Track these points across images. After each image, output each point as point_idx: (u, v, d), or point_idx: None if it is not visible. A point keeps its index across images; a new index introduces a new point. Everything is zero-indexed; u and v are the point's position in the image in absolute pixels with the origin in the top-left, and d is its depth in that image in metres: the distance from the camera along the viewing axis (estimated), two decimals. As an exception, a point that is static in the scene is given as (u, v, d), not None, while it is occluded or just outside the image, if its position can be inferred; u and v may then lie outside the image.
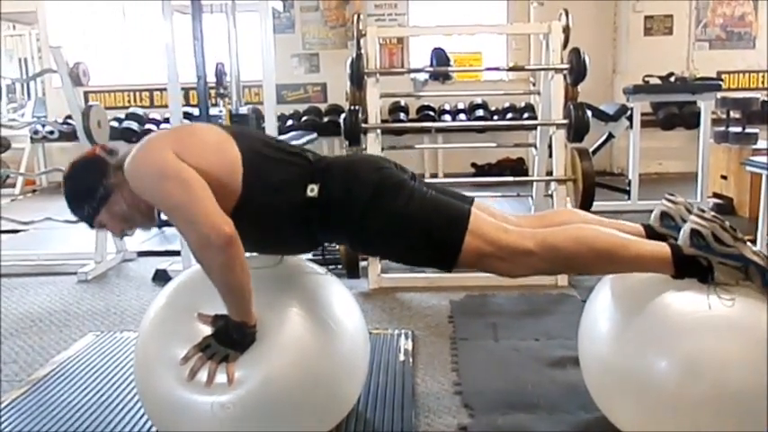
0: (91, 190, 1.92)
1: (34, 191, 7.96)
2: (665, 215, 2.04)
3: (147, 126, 7.90)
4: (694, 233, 1.85)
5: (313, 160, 2.00)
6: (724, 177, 5.71)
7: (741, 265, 1.83)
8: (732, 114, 5.84)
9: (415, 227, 1.90)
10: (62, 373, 2.67)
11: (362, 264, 3.78)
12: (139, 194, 1.85)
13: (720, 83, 6.13)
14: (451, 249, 1.88)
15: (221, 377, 1.81)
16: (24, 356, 2.94)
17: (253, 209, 1.88)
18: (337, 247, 3.83)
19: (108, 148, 2.01)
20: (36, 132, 7.86)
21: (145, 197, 1.86)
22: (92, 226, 2.00)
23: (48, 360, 2.86)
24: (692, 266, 1.86)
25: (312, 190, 1.90)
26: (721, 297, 1.81)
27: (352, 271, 3.69)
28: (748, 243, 1.87)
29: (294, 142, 6.37)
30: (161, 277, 3.99)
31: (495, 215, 2.02)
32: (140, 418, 2.24)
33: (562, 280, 3.73)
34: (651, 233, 2.04)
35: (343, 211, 1.90)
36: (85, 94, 6.39)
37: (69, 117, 5.91)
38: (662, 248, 1.89)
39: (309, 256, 4.05)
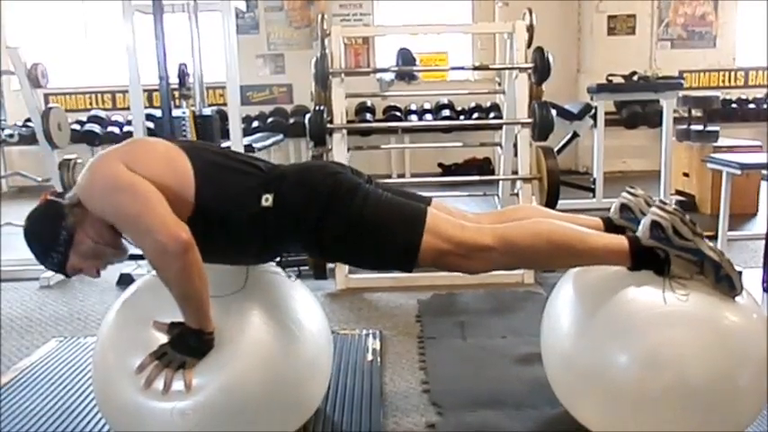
0: (53, 237, 1.86)
1: (-7, 196, 7.79)
2: (624, 207, 2.06)
3: (110, 129, 7.79)
4: (655, 225, 1.86)
5: (266, 169, 1.98)
6: (686, 175, 5.81)
7: (697, 259, 1.85)
8: (693, 113, 5.94)
9: (371, 230, 1.88)
10: (25, 380, 2.62)
11: (329, 265, 3.76)
12: (92, 210, 1.82)
13: (682, 81, 6.21)
14: (410, 250, 1.87)
15: (179, 384, 1.78)
16: (-15, 364, 2.88)
17: (207, 221, 1.84)
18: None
19: (56, 191, 1.98)
20: (-6, 136, 7.68)
21: (99, 212, 1.82)
22: (67, 274, 1.95)
23: (10, 367, 2.79)
24: (649, 258, 1.87)
25: (267, 200, 1.87)
26: (676, 292, 1.82)
27: (319, 272, 3.68)
28: (705, 239, 1.89)
29: (260, 144, 6.35)
30: (125, 281, 3.93)
31: (453, 213, 2.02)
32: (104, 425, 2.20)
33: (528, 278, 3.76)
34: (610, 225, 2.06)
35: (298, 219, 1.88)
36: (46, 96, 6.30)
37: (29, 120, 5.79)
38: (620, 241, 1.90)
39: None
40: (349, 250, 1.95)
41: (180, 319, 1.81)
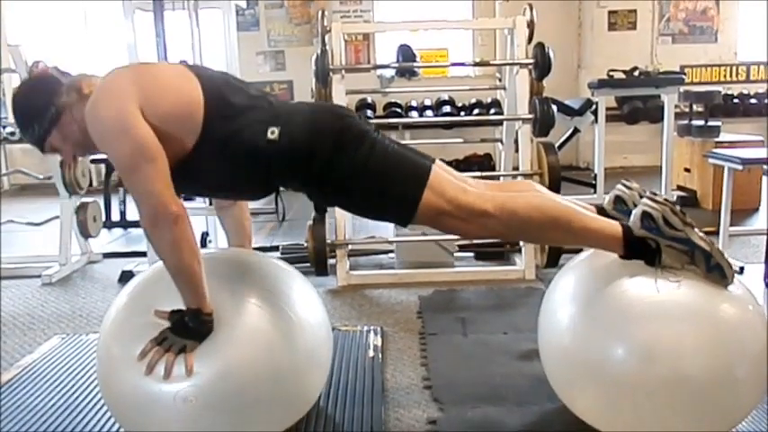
0: (41, 109, 1.87)
1: (-5, 193, 7.81)
2: (618, 199, 2.07)
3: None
4: (645, 215, 1.88)
5: (275, 104, 1.99)
6: (687, 170, 5.81)
7: (688, 249, 1.87)
8: (695, 108, 5.94)
9: (374, 178, 1.89)
10: (27, 377, 2.62)
11: (331, 261, 3.77)
12: (94, 141, 1.83)
13: (683, 77, 6.21)
14: (410, 203, 1.87)
15: (180, 369, 1.79)
16: (-12, 361, 2.89)
17: (212, 149, 1.86)
18: (305, 244, 3.82)
19: (58, 68, 1.98)
20: (-4, 134, 7.68)
21: (99, 147, 1.84)
22: (43, 149, 1.95)
23: (12, 364, 2.79)
24: (640, 248, 1.89)
25: (273, 133, 1.87)
26: (669, 279, 1.84)
27: (320, 268, 3.68)
28: (696, 229, 1.90)
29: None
30: (127, 278, 3.92)
31: (456, 176, 2.02)
32: (108, 420, 2.21)
33: (529, 273, 3.76)
34: (602, 214, 2.06)
35: (302, 157, 1.87)
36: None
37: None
38: (614, 226, 1.93)
39: (277, 253, 4.06)
40: (349, 196, 1.96)
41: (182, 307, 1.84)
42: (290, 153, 1.88)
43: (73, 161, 2.02)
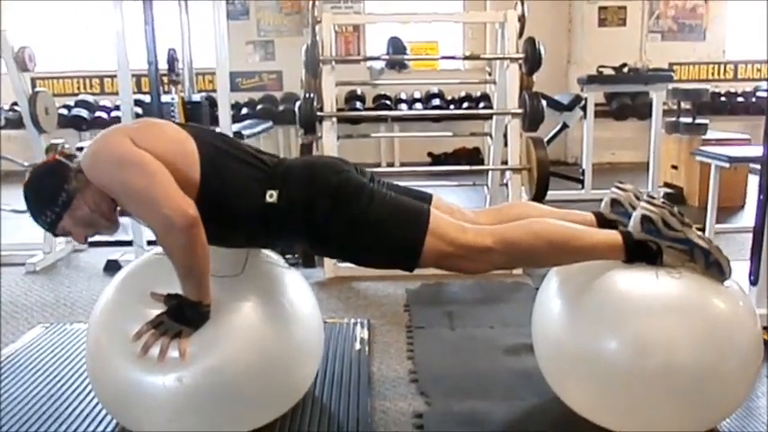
0: (52, 196, 1.88)
1: (-21, 180, 7.71)
2: (615, 202, 2.11)
3: (98, 114, 7.71)
4: (645, 219, 1.91)
5: (271, 165, 2.00)
6: (675, 167, 5.82)
7: (687, 248, 1.91)
8: (683, 105, 5.96)
9: (375, 230, 1.91)
10: (9, 366, 2.60)
11: (318, 253, 3.76)
12: (97, 184, 1.84)
13: (672, 74, 6.24)
14: (412, 251, 1.91)
15: (174, 353, 1.81)
16: (-31, 350, 2.85)
17: (210, 208, 1.85)
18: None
19: (67, 152, 1.99)
20: (-20, 120, 7.59)
21: (104, 186, 1.84)
22: (55, 234, 1.98)
23: (-6, 353, 2.77)
24: (642, 251, 1.92)
25: (271, 196, 1.90)
26: (670, 274, 1.88)
27: (308, 260, 3.67)
28: (694, 227, 1.94)
29: (249, 131, 6.32)
30: (112, 268, 3.91)
31: (453, 212, 2.05)
32: (92, 409, 2.20)
33: (516, 268, 3.76)
34: (601, 220, 2.10)
35: (302, 217, 1.90)
36: (33, 80, 6.24)
37: (15, 104, 5.74)
38: (614, 236, 1.95)
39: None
40: (351, 249, 1.99)
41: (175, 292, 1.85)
42: (289, 214, 1.90)
43: (84, 242, 2.04)
